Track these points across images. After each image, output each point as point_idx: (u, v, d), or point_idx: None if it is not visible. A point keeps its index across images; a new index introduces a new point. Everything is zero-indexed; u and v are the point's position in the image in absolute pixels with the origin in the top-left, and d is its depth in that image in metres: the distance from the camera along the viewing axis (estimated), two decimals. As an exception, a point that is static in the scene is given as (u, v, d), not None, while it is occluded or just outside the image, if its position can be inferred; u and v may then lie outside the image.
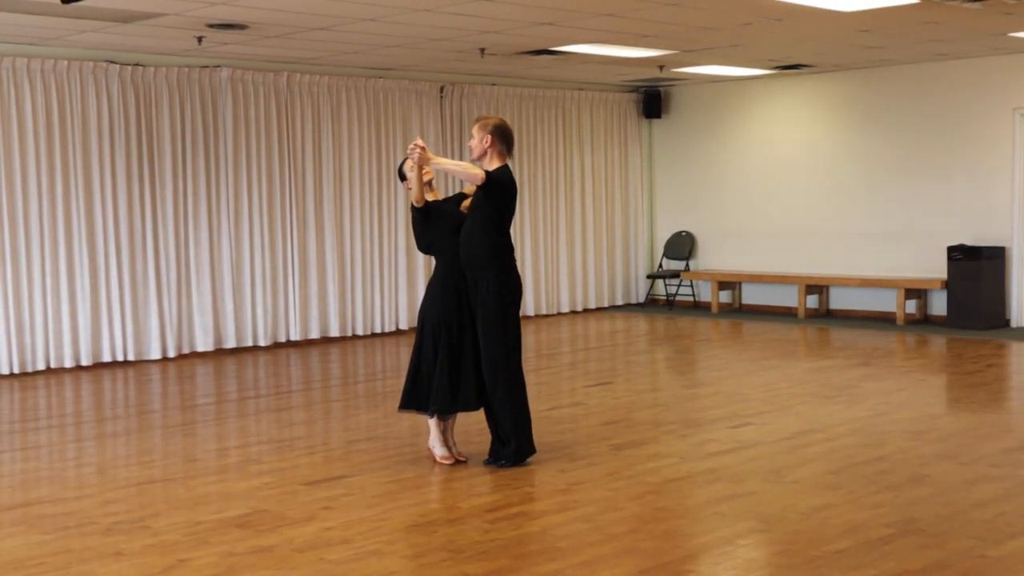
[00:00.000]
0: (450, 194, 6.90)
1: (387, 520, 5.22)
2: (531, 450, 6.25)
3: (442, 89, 12.53)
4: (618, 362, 10.31)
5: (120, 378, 9.70)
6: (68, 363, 10.00)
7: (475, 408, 6.24)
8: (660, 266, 14.81)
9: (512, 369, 6.12)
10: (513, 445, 6.15)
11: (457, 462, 6.29)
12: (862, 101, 12.92)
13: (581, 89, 13.95)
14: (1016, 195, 11.79)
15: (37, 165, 9.79)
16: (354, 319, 11.93)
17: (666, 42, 10.32)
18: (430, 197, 6.25)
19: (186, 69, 10.59)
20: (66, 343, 9.98)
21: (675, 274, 14.36)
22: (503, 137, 6.15)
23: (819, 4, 8.39)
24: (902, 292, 12.31)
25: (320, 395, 8.80)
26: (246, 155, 11.02)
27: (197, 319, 10.82)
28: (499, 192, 6.09)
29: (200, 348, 10.85)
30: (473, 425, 6.85)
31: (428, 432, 6.41)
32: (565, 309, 13.95)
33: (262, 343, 11.23)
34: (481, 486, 5.83)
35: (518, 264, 6.45)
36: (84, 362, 10.09)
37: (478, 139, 6.15)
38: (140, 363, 10.38)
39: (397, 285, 12.24)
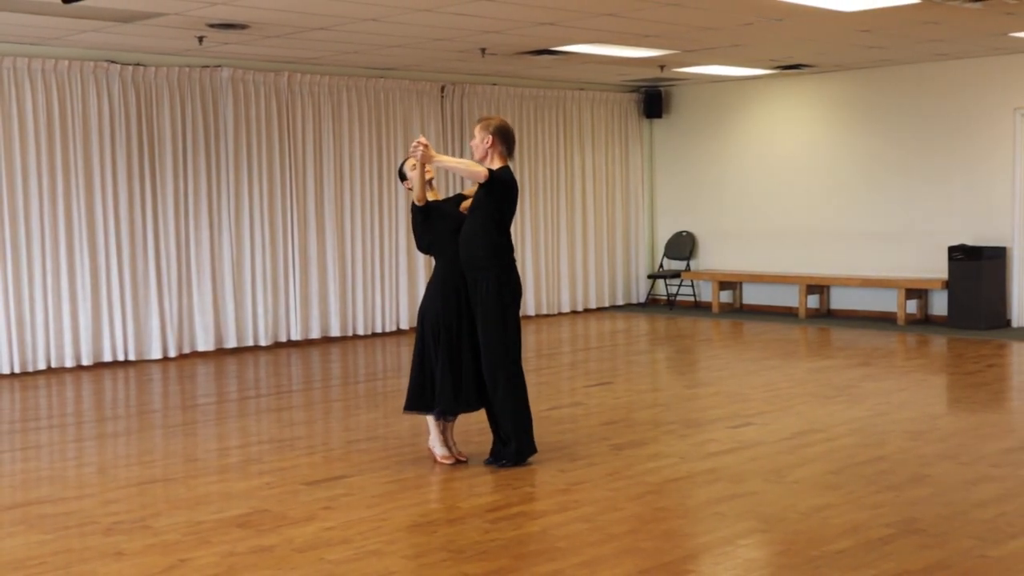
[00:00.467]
0: (450, 194, 6.90)
1: (387, 520, 5.23)
2: (532, 450, 6.25)
3: (443, 89, 12.54)
4: (618, 362, 10.30)
5: (121, 378, 9.70)
6: (69, 363, 10.01)
7: (477, 408, 6.24)
8: (661, 266, 14.81)
9: (512, 369, 6.12)
10: (513, 445, 6.15)
11: (457, 462, 6.29)
12: (863, 101, 12.92)
13: (582, 89, 13.95)
14: (1017, 195, 11.79)
15: (38, 165, 9.79)
16: (355, 319, 11.93)
17: (667, 42, 10.32)
18: (430, 197, 6.25)
19: (187, 69, 10.59)
20: (67, 343, 9.99)
21: (676, 274, 14.36)
22: (504, 138, 6.15)
23: (820, 4, 8.38)
24: (903, 292, 12.31)
25: (321, 395, 8.80)
26: (247, 155, 11.03)
27: (198, 319, 10.82)
28: (501, 191, 6.09)
29: (201, 348, 10.85)
30: (473, 425, 6.86)
31: (428, 432, 6.41)
32: (566, 309, 13.95)
33: (263, 343, 11.23)
34: (481, 486, 5.83)
35: (518, 264, 6.45)
36: (85, 362, 10.09)
37: (480, 139, 6.14)
38: (141, 363, 10.38)
39: (398, 285, 12.24)
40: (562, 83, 13.70)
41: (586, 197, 14.11)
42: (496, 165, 6.12)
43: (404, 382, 6.37)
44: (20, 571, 4.58)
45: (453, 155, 12.46)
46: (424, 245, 6.35)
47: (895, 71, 12.59)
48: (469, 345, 6.15)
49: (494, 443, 6.26)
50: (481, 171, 6.03)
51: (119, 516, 5.36)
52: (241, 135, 10.98)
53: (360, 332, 11.96)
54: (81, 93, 10.00)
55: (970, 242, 11.98)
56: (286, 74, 11.24)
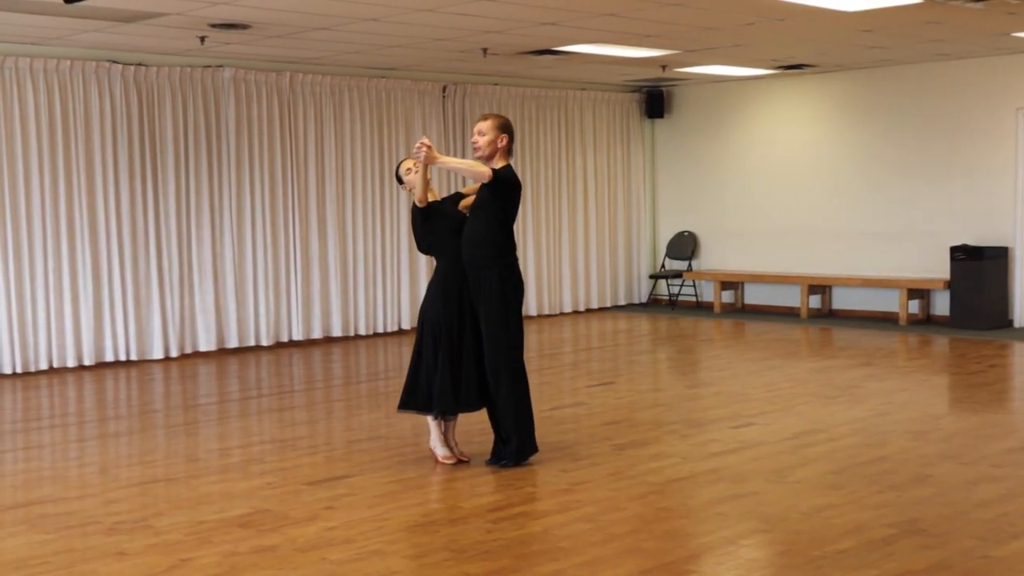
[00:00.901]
0: (445, 193, 6.89)
1: (389, 520, 5.23)
2: (533, 449, 6.24)
3: (444, 89, 12.53)
4: (620, 362, 10.30)
5: (123, 378, 9.71)
6: (71, 362, 10.01)
7: (477, 408, 6.23)
8: (662, 266, 14.81)
9: (514, 368, 6.11)
10: (514, 443, 6.14)
11: (459, 462, 6.29)
12: (865, 101, 12.92)
13: (584, 89, 13.95)
14: (1019, 195, 11.78)
15: (40, 165, 9.80)
16: (356, 319, 11.94)
17: (668, 42, 10.32)
18: (429, 197, 6.24)
19: (188, 69, 10.59)
20: (69, 343, 9.99)
21: (677, 274, 14.35)
22: (511, 136, 6.16)
23: (821, 4, 8.38)
24: (905, 292, 12.31)
25: (322, 395, 8.80)
26: (248, 155, 11.03)
27: (200, 319, 10.82)
28: (506, 190, 6.08)
29: (202, 348, 10.85)
30: (475, 425, 6.85)
31: (429, 432, 6.40)
32: (567, 309, 13.95)
33: (264, 343, 11.24)
34: (483, 486, 5.83)
35: (519, 264, 6.44)
36: (87, 361, 10.10)
37: (492, 136, 6.09)
38: (142, 363, 10.39)
39: (399, 284, 12.24)
40: (564, 83, 13.70)
41: (588, 197, 14.11)
42: (500, 163, 6.11)
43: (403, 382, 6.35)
44: (22, 571, 4.59)
45: (455, 155, 12.47)
46: (425, 246, 6.34)
47: (897, 71, 12.59)
48: (471, 345, 6.14)
49: (495, 443, 6.26)
50: (485, 171, 6.02)
51: (121, 516, 5.36)
52: (243, 135, 10.98)
53: (362, 332, 11.97)
54: (83, 93, 10.01)
55: (972, 242, 11.97)
56: (288, 74, 11.25)
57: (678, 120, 14.69)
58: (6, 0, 7.76)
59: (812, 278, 13.09)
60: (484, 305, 6.09)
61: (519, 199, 6.22)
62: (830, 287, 13.30)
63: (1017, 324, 11.88)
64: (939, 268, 12.24)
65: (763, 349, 10.86)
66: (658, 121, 14.82)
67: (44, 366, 9.90)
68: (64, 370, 9.98)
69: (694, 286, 14.55)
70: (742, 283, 14.09)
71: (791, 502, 5.41)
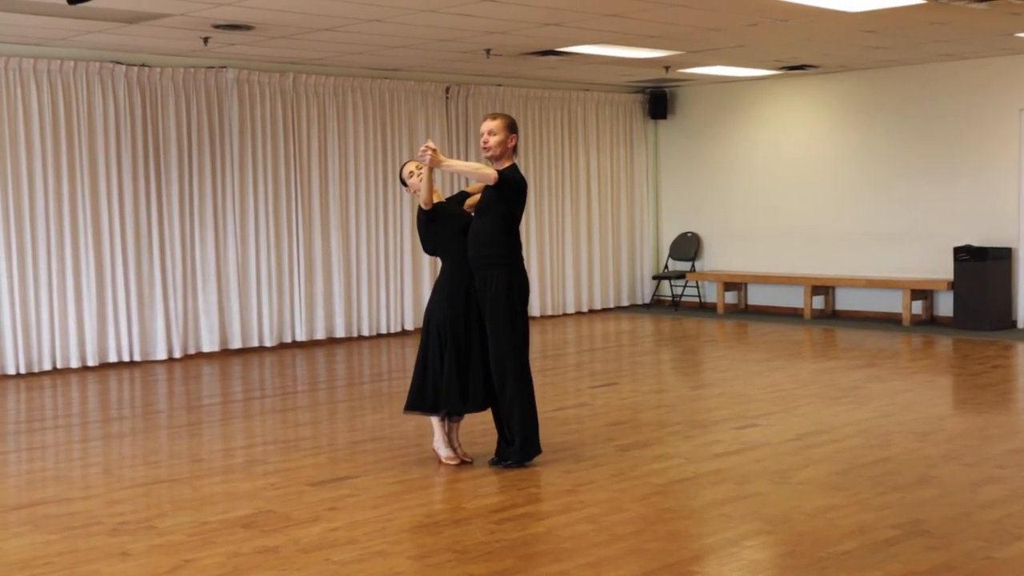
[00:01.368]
0: (449, 193, 6.88)
1: (392, 521, 5.23)
2: (537, 450, 6.24)
3: (447, 90, 12.54)
4: (623, 363, 10.30)
5: (126, 378, 9.71)
6: (74, 363, 10.02)
7: (484, 408, 6.23)
8: (666, 267, 14.80)
9: (520, 368, 6.11)
10: (518, 443, 6.14)
11: (462, 463, 6.28)
12: (868, 102, 12.91)
13: (587, 90, 13.95)
14: (1023, 195, 11.77)
15: (43, 165, 9.81)
16: (360, 320, 11.94)
17: (672, 43, 10.32)
18: (434, 198, 6.24)
19: (192, 70, 10.60)
20: (72, 343, 10.00)
21: (681, 275, 14.35)
22: (517, 135, 6.18)
23: (825, 5, 8.38)
24: (908, 293, 12.30)
25: (325, 396, 8.80)
26: (252, 156, 11.04)
27: (203, 319, 10.83)
28: (512, 191, 6.09)
29: (206, 348, 10.86)
30: (478, 426, 6.86)
31: (433, 433, 6.40)
32: (571, 310, 13.95)
33: (268, 344, 11.24)
34: (486, 487, 5.83)
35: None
36: (90, 362, 10.11)
37: (502, 137, 6.09)
38: (146, 363, 10.40)
39: (403, 285, 12.24)
40: (567, 84, 13.70)
41: (591, 198, 14.11)
42: (506, 164, 6.12)
43: (409, 383, 6.35)
44: (26, 571, 4.59)
45: (458, 155, 12.48)
46: (430, 247, 6.34)
47: (900, 72, 12.58)
48: (478, 345, 6.14)
49: (499, 443, 6.26)
50: (491, 173, 6.03)
51: (124, 516, 5.37)
52: (246, 136, 10.99)
53: (365, 333, 11.97)
54: (86, 94, 10.02)
55: (976, 243, 11.96)
56: (291, 75, 11.25)
57: (681, 121, 14.69)
58: (10, 1, 7.77)
59: (815, 279, 13.08)
60: (490, 305, 6.09)
61: (525, 199, 6.22)
62: (834, 288, 13.29)
63: (1021, 325, 11.87)
64: (943, 269, 12.23)
65: (766, 350, 10.85)
66: (661, 122, 14.82)
67: (48, 367, 9.92)
68: (68, 371, 9.99)
69: (697, 287, 14.55)
70: (745, 284, 14.08)
71: (795, 503, 5.40)
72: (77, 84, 9.97)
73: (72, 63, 9.88)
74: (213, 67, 10.76)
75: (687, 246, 14.57)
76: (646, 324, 13.09)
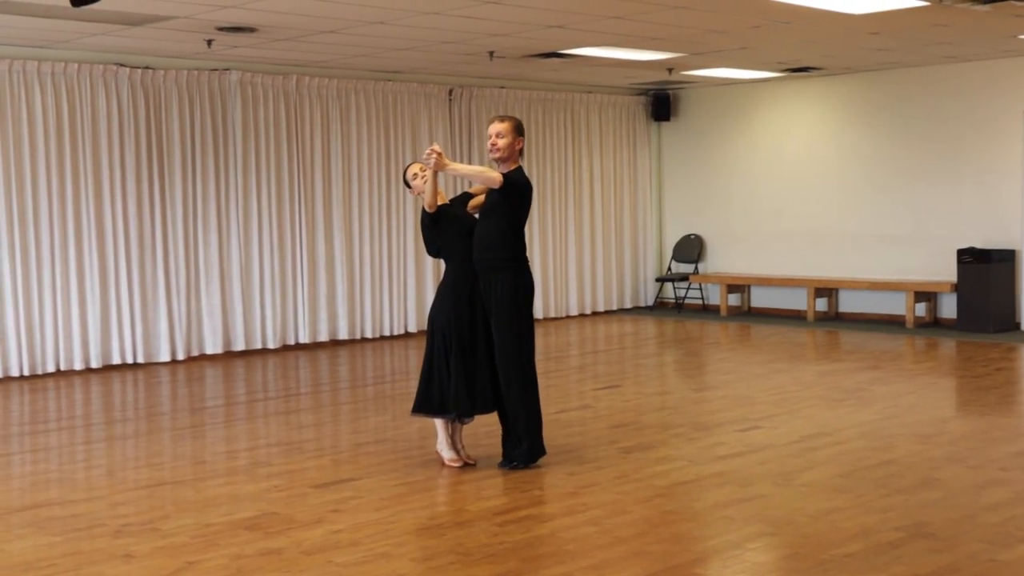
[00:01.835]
0: (452, 195, 6.88)
1: (396, 523, 5.23)
2: (542, 451, 6.25)
3: (451, 92, 12.54)
4: (627, 365, 10.30)
5: (129, 380, 9.72)
6: (77, 365, 10.03)
7: (493, 410, 6.23)
8: (669, 269, 14.80)
9: (526, 369, 6.12)
10: (525, 444, 6.15)
11: (466, 465, 6.28)
12: (871, 104, 12.90)
13: (590, 92, 13.95)
14: (1026, 198, 11.77)
15: (47, 168, 9.82)
16: (363, 322, 11.94)
17: (675, 45, 10.32)
18: (439, 200, 6.24)
19: (195, 72, 10.61)
20: (75, 345, 10.01)
21: (684, 277, 14.35)
22: (523, 139, 6.19)
23: (828, 7, 8.38)
24: (911, 295, 12.29)
25: (329, 398, 8.81)
26: (255, 158, 11.05)
27: (206, 321, 10.84)
28: (517, 194, 6.09)
29: (209, 350, 10.87)
30: (481, 428, 6.85)
31: (436, 435, 6.40)
32: (574, 312, 13.95)
33: (271, 346, 11.25)
34: (489, 489, 5.83)
35: (527, 267, 6.44)
36: (93, 364, 10.12)
37: (511, 139, 6.09)
38: (149, 365, 10.41)
39: (406, 287, 12.25)
40: (570, 86, 13.71)
41: (594, 200, 14.11)
42: (513, 166, 6.12)
43: (413, 385, 6.36)
44: (29, 573, 4.59)
45: (461, 158, 12.48)
46: (434, 250, 6.34)
47: (903, 74, 12.58)
48: (483, 347, 6.14)
49: (504, 444, 6.26)
50: (496, 177, 6.03)
51: (128, 518, 5.37)
52: (250, 138, 11.00)
53: (368, 335, 11.97)
54: (90, 96, 10.03)
55: (979, 245, 11.95)
56: (294, 77, 11.26)
57: (684, 123, 14.69)
58: (13, 3, 7.78)
59: (819, 281, 13.07)
60: (495, 308, 6.09)
61: (530, 201, 6.22)
62: (837, 290, 13.29)
63: (1024, 327, 11.87)
64: (946, 271, 12.22)
65: (769, 352, 10.84)
66: (664, 124, 14.82)
67: (51, 369, 9.93)
68: (71, 373, 10.00)
69: (700, 289, 14.54)
70: (748, 286, 14.07)
71: (798, 505, 5.40)
72: (81, 86, 9.98)
73: (76, 65, 9.90)
74: (217, 69, 10.77)
75: (690, 248, 14.57)
76: (649, 326, 13.09)
